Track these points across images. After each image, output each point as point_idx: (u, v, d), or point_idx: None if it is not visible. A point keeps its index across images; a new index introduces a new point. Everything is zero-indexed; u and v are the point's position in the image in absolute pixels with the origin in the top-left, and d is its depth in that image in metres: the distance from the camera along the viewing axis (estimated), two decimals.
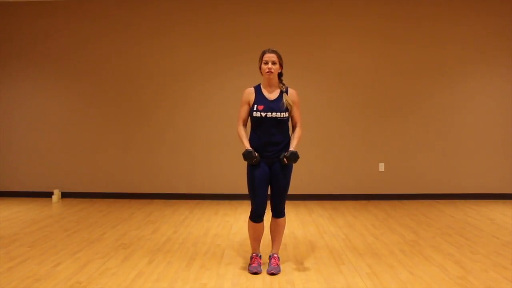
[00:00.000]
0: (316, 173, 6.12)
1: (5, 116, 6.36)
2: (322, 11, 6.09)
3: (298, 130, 3.28)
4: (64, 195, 6.26)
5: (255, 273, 3.15)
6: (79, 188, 6.27)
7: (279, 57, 3.20)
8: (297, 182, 6.10)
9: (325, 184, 6.14)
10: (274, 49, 3.20)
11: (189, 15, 6.15)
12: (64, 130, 6.29)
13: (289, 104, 3.21)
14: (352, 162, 6.14)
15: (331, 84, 6.13)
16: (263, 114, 3.15)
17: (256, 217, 3.21)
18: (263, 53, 3.20)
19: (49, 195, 6.18)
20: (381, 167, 6.14)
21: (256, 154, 3.14)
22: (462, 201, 5.99)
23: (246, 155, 3.12)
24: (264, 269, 3.22)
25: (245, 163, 3.23)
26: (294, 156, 3.12)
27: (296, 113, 3.28)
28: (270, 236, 3.41)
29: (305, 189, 6.10)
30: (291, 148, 3.18)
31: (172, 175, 6.21)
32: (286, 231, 4.41)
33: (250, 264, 3.23)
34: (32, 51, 6.29)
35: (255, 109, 3.18)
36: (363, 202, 5.97)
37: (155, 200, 6.09)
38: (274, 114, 3.16)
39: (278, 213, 3.30)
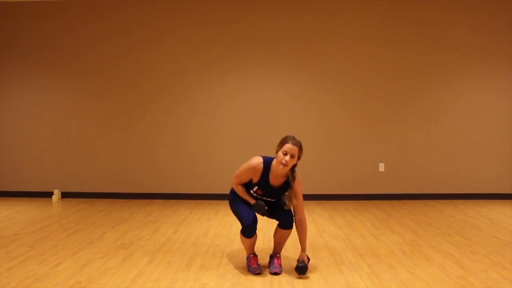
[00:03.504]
0: (316, 173, 6.12)
1: (5, 116, 6.36)
2: (322, 14, 6.09)
3: (304, 224, 3.12)
4: (64, 195, 6.26)
5: (258, 274, 3.13)
6: (79, 188, 6.27)
7: (300, 149, 2.98)
8: None
9: (325, 184, 6.14)
10: (298, 141, 2.98)
11: (189, 18, 6.15)
12: (64, 130, 6.29)
13: (291, 202, 3.05)
14: (352, 162, 6.14)
15: (331, 85, 6.13)
16: (259, 197, 3.14)
17: (248, 233, 3.14)
18: (286, 140, 2.97)
19: (49, 195, 6.18)
20: (381, 167, 6.14)
21: (266, 209, 3.08)
22: (462, 201, 5.99)
23: (258, 206, 3.01)
24: (263, 269, 3.22)
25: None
26: (303, 270, 3.01)
27: (299, 205, 3.09)
28: (275, 241, 3.32)
29: (305, 189, 6.02)
30: (302, 254, 3.08)
31: (172, 175, 6.21)
32: None
33: (250, 266, 3.19)
34: (32, 52, 6.29)
35: (254, 189, 3.10)
36: (363, 202, 5.97)
37: (155, 200, 6.09)
38: (270, 199, 3.15)
39: (289, 225, 3.17)
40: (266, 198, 3.14)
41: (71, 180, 6.29)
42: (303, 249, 3.13)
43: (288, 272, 3.18)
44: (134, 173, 6.24)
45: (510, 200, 6.01)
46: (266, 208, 3.08)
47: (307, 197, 6.07)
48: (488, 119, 6.12)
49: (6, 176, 6.38)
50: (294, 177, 3.05)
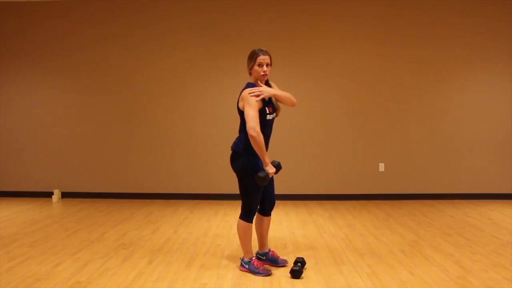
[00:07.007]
0: (316, 173, 6.12)
1: (5, 116, 6.36)
2: (323, 14, 6.08)
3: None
4: (64, 195, 6.26)
5: (270, 274, 3.12)
6: (79, 188, 6.27)
7: (270, 56, 3.09)
8: (297, 182, 6.13)
9: (325, 184, 6.14)
10: (266, 50, 3.09)
11: (188, 17, 6.14)
12: (64, 130, 6.29)
13: (278, 105, 3.19)
14: (352, 162, 6.14)
15: (331, 85, 6.13)
16: (272, 116, 3.12)
17: (253, 216, 3.18)
18: (256, 54, 3.04)
19: (49, 195, 6.18)
20: (381, 167, 6.14)
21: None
22: (462, 201, 5.99)
23: (278, 166, 3.04)
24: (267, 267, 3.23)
25: None
26: (298, 274, 3.07)
27: None
28: (261, 235, 3.37)
29: (305, 189, 6.10)
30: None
31: (172, 175, 6.21)
32: (286, 231, 4.43)
33: (257, 268, 3.13)
34: (32, 52, 6.29)
35: (267, 112, 3.06)
36: (363, 202, 5.97)
37: (155, 200, 6.09)
38: (275, 115, 3.17)
39: (272, 208, 3.32)
40: (274, 115, 3.13)
41: (71, 180, 6.29)
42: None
43: (288, 272, 3.18)
44: (134, 173, 6.24)
45: (510, 200, 6.01)
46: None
47: (308, 197, 6.10)
48: (488, 119, 6.12)
49: (6, 176, 6.38)
50: (269, 84, 3.16)
